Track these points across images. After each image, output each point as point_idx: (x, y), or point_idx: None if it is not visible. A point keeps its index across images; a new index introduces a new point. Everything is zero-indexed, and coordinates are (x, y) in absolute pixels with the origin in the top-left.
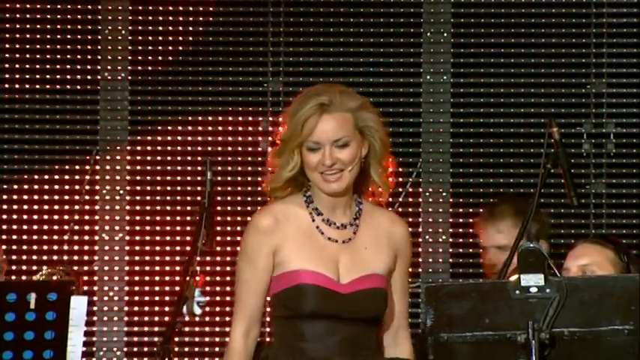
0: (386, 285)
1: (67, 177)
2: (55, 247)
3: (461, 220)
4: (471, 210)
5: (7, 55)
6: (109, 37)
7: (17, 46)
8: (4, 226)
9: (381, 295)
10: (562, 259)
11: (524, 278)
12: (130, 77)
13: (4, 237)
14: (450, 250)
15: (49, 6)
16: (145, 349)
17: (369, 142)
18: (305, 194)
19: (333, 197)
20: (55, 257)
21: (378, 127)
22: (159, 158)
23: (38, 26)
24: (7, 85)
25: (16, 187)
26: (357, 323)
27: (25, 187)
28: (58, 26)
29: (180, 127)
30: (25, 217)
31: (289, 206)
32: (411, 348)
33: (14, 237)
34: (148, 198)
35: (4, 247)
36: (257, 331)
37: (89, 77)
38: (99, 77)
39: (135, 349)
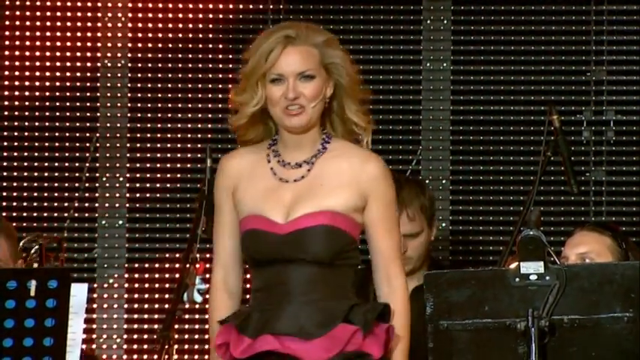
0: (342, 223)
1: (66, 164)
2: (55, 234)
3: (460, 208)
4: (471, 198)
5: (7, 43)
6: (109, 25)
7: (17, 33)
8: (4, 213)
9: (328, 233)
10: (562, 247)
11: (524, 266)
12: (129, 64)
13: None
14: (450, 237)
15: None
16: (145, 336)
17: (334, 82)
18: (273, 137)
19: (297, 135)
20: (54, 245)
21: (345, 64)
22: (159, 145)
23: (38, 13)
24: (7, 72)
25: (15, 174)
26: (306, 267)
27: (25, 174)
28: (59, 13)
29: (180, 115)
30: (25, 204)
31: (253, 149)
32: (404, 295)
33: (14, 224)
34: (148, 185)
35: None
36: (237, 278)
37: (89, 64)
38: (99, 64)
39: (135, 337)
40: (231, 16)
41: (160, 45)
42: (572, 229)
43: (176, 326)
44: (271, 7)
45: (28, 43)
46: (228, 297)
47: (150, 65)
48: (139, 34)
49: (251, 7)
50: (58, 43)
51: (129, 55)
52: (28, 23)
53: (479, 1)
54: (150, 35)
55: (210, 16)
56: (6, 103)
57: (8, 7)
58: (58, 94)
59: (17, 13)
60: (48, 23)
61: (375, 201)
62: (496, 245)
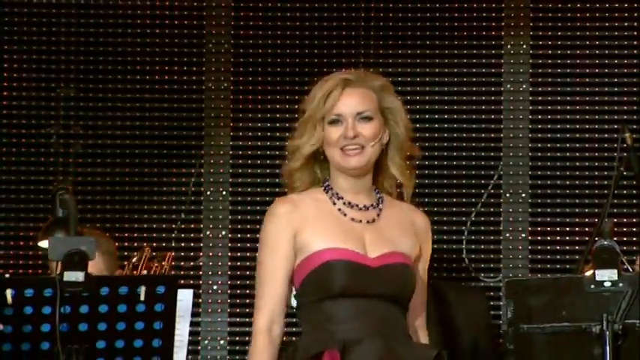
0: (412, 265)
1: (174, 179)
2: (164, 244)
3: (539, 219)
4: (548, 210)
5: (117, 66)
6: (213, 50)
7: (118, 48)
8: (117, 224)
9: (409, 272)
10: (634, 256)
11: (599, 273)
12: (232, 87)
13: (116, 235)
14: (529, 247)
15: (157, 21)
16: (247, 338)
17: (390, 130)
18: (324, 184)
19: (353, 180)
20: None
21: (401, 111)
22: (259, 162)
23: (148, 40)
24: (119, 95)
25: (127, 188)
26: (386, 303)
27: (136, 188)
28: (166, 40)
29: (278, 133)
30: (135, 216)
31: (308, 194)
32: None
33: (125, 234)
34: (249, 198)
35: (116, 243)
36: (281, 326)
37: (194, 87)
38: (203, 87)
39: (237, 339)
40: (325, 37)
41: (260, 69)
42: None
43: None
44: (362, 51)
45: (133, 66)
46: (270, 343)
47: (251, 88)
48: (241, 59)
49: (343, 42)
50: (166, 67)
51: (231, 78)
52: (137, 49)
53: (556, 28)
54: (251, 60)
55: (308, 38)
56: (118, 123)
57: (109, 31)
58: (166, 114)
59: (130, 30)
60: (156, 49)
61: (425, 251)
62: (572, 254)
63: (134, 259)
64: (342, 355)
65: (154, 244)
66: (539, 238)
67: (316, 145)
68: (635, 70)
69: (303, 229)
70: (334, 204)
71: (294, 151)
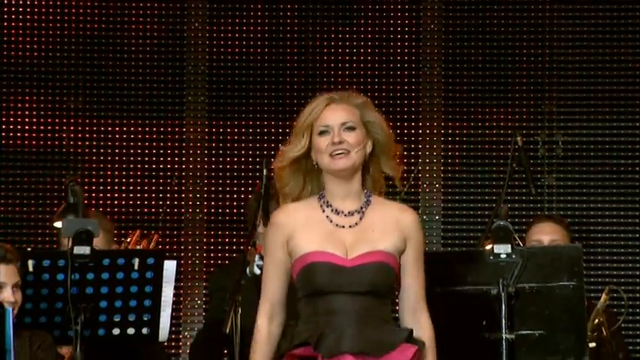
0: (392, 261)
1: (161, 173)
2: (153, 225)
3: (450, 205)
4: (457, 197)
5: (115, 83)
6: (192, 71)
7: (117, 69)
8: (116, 209)
9: (384, 268)
10: (523, 234)
11: (497, 247)
12: (207, 93)
13: (115, 217)
14: (442, 226)
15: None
16: None
17: (373, 140)
18: (320, 194)
19: (343, 184)
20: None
21: (382, 123)
22: (228, 159)
23: (140, 63)
24: (117, 106)
25: (124, 180)
26: (364, 297)
27: (131, 180)
28: (155, 63)
29: (243, 137)
30: (131, 202)
31: (303, 203)
32: (429, 327)
33: (123, 217)
34: (220, 188)
35: (115, 223)
36: (281, 318)
37: (177, 93)
38: (184, 92)
39: None
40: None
41: (236, 71)
42: (532, 220)
43: None
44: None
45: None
46: (267, 336)
47: (227, 96)
48: (217, 77)
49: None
50: (154, 85)
51: (207, 85)
52: (126, 66)
53: (466, 54)
54: (228, 75)
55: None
56: (117, 131)
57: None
58: (154, 121)
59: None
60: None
61: (411, 244)
62: (476, 232)
63: (128, 239)
64: (321, 344)
65: (145, 225)
66: (449, 219)
67: (302, 151)
68: (524, 87)
69: (293, 235)
70: (323, 211)
71: (282, 154)
